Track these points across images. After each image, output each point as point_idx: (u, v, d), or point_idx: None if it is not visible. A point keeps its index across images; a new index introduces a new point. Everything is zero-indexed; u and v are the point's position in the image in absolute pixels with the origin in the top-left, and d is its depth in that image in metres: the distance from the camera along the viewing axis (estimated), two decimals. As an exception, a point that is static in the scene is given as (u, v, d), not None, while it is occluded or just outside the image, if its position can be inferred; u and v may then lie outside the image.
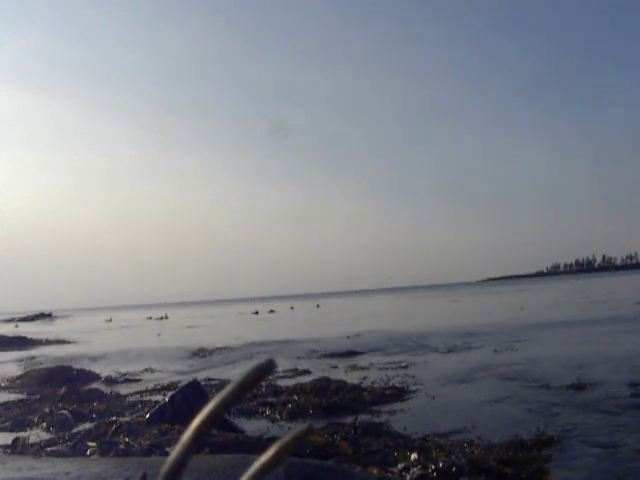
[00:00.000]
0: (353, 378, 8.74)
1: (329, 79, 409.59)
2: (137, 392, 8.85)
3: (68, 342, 21.35)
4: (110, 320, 46.10)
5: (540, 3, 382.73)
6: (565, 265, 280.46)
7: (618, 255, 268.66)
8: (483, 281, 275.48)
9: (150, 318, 47.07)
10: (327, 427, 5.46)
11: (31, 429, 6.47)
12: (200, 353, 13.97)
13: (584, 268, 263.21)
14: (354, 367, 10.20)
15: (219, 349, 14.36)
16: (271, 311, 43.34)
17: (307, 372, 9.91)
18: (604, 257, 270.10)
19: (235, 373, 10.37)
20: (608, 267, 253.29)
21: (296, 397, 7.28)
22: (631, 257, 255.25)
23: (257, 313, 40.22)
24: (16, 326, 48.75)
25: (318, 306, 47.80)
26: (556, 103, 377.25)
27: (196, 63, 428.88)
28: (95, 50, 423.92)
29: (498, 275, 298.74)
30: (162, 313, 51.32)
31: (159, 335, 21.82)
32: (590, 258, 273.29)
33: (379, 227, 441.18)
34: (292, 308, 48.83)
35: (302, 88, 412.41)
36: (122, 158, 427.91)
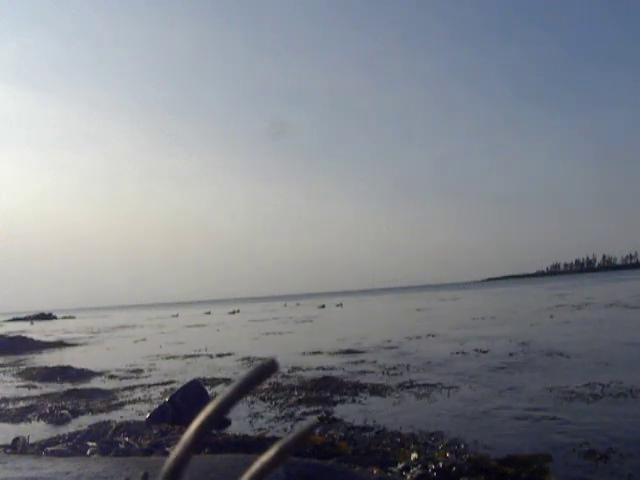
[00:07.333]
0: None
1: (329, 79, 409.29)
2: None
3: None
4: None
5: (540, 3, 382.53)
6: (565, 265, 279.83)
7: (618, 255, 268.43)
8: (483, 281, 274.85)
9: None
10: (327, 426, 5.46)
11: (31, 428, 6.47)
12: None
13: (584, 268, 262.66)
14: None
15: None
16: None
17: None
18: (604, 257, 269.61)
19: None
20: (608, 267, 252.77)
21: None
22: (631, 257, 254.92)
23: (324, 306, 45.28)
24: (31, 324, 49.04)
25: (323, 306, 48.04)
26: (556, 103, 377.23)
27: (196, 63, 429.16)
28: (95, 50, 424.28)
29: (498, 275, 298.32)
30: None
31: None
32: (590, 258, 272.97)
33: (380, 227, 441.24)
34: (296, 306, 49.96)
35: (302, 88, 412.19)
36: (122, 158, 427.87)
